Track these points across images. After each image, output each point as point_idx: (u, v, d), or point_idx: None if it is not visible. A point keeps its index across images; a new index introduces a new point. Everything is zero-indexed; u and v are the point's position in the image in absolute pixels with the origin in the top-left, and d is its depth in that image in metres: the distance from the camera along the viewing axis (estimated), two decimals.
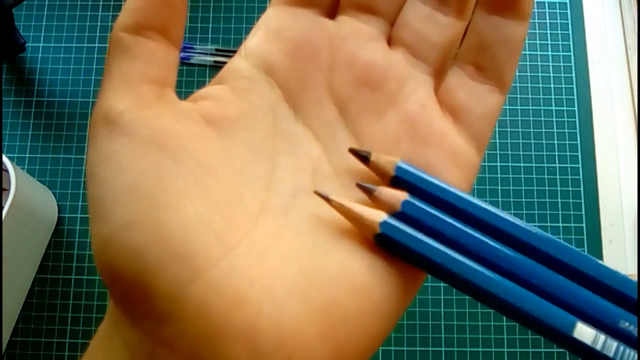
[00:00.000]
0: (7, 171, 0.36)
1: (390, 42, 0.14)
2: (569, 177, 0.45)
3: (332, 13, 0.14)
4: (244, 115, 0.13)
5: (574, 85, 0.47)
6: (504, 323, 0.42)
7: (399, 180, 0.13)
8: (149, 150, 0.12)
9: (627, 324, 0.13)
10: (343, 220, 0.13)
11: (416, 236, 0.13)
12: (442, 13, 0.13)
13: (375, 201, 0.13)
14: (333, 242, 0.12)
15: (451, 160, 0.13)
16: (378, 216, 0.12)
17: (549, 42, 0.48)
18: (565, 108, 0.47)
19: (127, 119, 0.12)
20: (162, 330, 0.11)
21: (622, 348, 0.12)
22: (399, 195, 0.13)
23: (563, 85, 0.47)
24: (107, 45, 0.13)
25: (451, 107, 0.14)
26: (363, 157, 0.13)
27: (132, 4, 0.13)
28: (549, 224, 0.44)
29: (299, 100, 0.14)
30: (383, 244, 0.13)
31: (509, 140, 0.46)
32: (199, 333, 0.11)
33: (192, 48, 0.47)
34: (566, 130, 0.46)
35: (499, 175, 0.45)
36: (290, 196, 0.13)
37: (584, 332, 0.12)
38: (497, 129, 0.46)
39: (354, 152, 0.13)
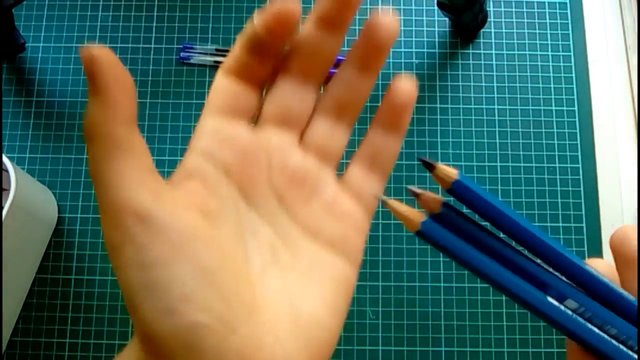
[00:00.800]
0: (7, 171, 0.36)
1: (302, 141, 0.19)
2: (569, 177, 0.45)
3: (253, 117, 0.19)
4: (221, 208, 0.17)
5: (574, 85, 0.47)
6: (504, 323, 0.42)
7: (454, 191, 0.17)
8: (177, 248, 0.15)
9: (612, 328, 0.16)
10: (303, 275, 0.17)
11: (448, 234, 0.17)
12: (339, 128, 0.19)
13: (421, 201, 0.17)
14: (301, 295, 0.17)
15: (356, 229, 0.19)
16: (420, 217, 0.17)
17: (549, 42, 0.48)
18: (565, 108, 0.47)
19: (157, 216, 0.15)
20: None
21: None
22: (439, 200, 0.17)
23: (563, 85, 0.47)
24: (90, 142, 0.15)
25: (354, 193, 0.19)
26: (429, 165, 0.17)
27: (104, 98, 0.15)
28: (549, 224, 0.44)
29: (249, 195, 0.18)
30: (422, 237, 0.17)
31: (509, 140, 0.46)
32: None
33: (192, 48, 0.47)
34: (566, 130, 0.46)
35: (499, 175, 0.45)
36: (262, 269, 0.17)
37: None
38: (497, 129, 0.46)
39: (422, 160, 0.17)
